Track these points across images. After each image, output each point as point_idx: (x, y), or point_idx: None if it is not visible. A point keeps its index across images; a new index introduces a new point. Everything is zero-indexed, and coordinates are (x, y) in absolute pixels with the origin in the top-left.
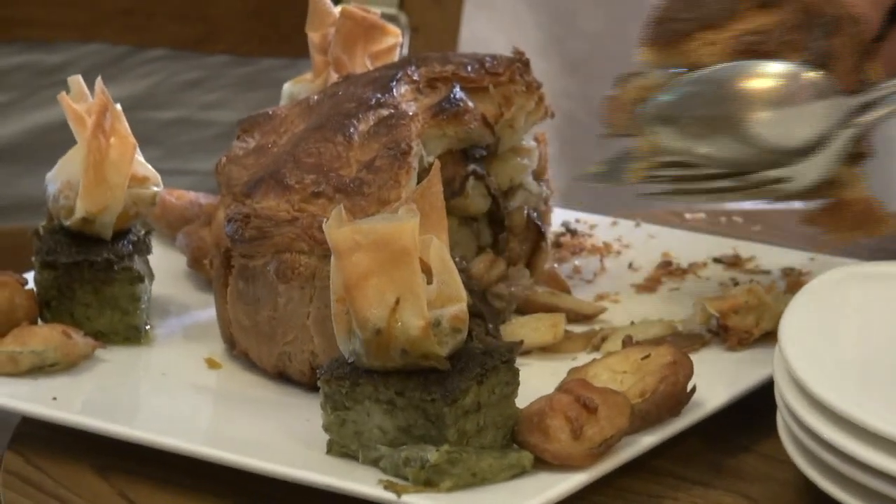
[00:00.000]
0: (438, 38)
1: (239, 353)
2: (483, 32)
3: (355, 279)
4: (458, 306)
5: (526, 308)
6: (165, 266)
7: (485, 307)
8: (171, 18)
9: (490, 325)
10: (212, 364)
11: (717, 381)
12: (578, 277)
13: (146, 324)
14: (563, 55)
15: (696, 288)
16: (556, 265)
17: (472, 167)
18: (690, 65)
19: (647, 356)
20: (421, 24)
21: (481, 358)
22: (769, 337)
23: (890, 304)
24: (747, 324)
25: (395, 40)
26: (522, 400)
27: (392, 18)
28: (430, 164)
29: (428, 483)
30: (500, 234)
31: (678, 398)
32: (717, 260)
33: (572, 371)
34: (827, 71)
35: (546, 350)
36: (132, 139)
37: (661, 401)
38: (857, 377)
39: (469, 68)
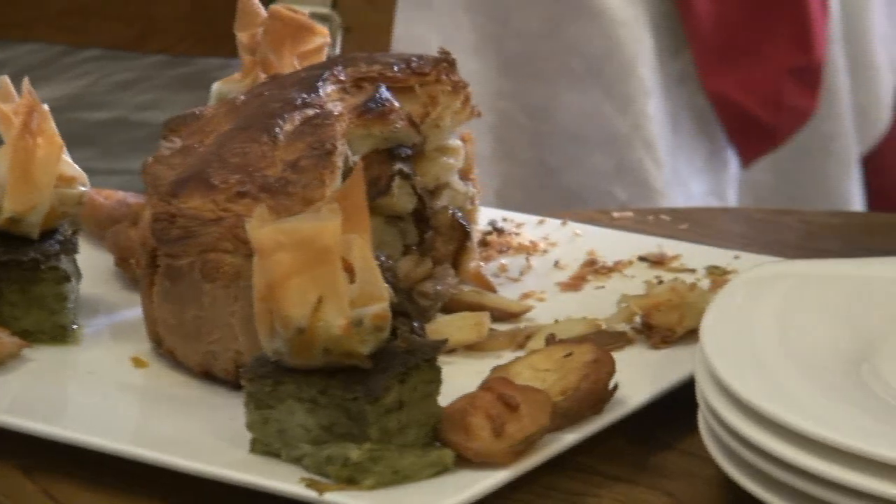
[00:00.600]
0: (372, 38)
1: (165, 351)
2: (418, 32)
3: (277, 278)
4: (380, 305)
5: (451, 307)
6: (93, 265)
7: (410, 306)
8: (107, 18)
9: (415, 324)
10: (138, 363)
11: (640, 378)
12: (504, 276)
13: (73, 323)
14: (498, 55)
15: (621, 286)
16: (481, 264)
17: (398, 167)
18: None
19: (570, 354)
20: (354, 24)
21: (404, 356)
22: (693, 335)
23: (811, 302)
24: (670, 322)
25: (324, 40)
26: (447, 398)
27: (324, 18)
28: (356, 164)
29: (350, 481)
30: (425, 233)
31: (600, 396)
32: (642, 258)
33: (495, 369)
34: None
35: (471, 349)
36: (59, 139)
37: (583, 398)
38: (777, 375)
39: (395, 68)
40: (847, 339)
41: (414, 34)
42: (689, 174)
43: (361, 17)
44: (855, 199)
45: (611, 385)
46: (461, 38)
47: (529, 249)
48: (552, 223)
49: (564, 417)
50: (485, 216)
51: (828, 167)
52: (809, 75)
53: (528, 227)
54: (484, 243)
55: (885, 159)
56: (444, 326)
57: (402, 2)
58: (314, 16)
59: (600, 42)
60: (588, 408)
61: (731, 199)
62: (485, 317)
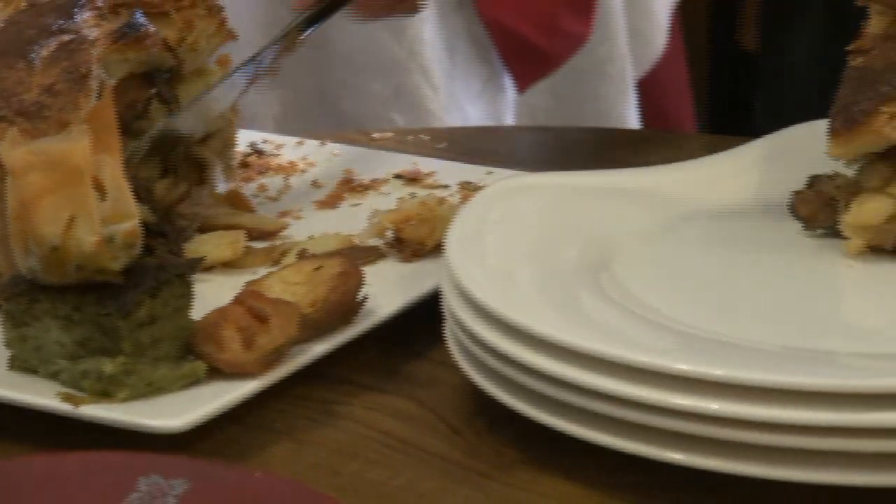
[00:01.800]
0: None
1: None
2: None
3: (30, 198)
4: (132, 223)
5: (208, 227)
6: None
7: (167, 226)
8: None
9: (173, 244)
10: None
11: (391, 291)
12: (263, 195)
13: None
14: None
15: (375, 203)
16: (241, 184)
17: (155, 90)
18: (882, 140)
19: (319, 268)
20: None
21: (155, 272)
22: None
23: (551, 213)
24: (420, 235)
25: None
26: (203, 313)
27: None
28: (107, 86)
29: (104, 394)
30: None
31: (349, 307)
32: (397, 176)
33: (248, 284)
34: None
35: (228, 266)
36: None
37: (332, 309)
38: (517, 284)
39: None
40: (586, 247)
41: None
42: (466, 99)
43: None
44: (632, 122)
45: (360, 297)
46: None
47: (288, 170)
48: (311, 144)
49: (314, 328)
50: (245, 138)
51: (604, 90)
52: (583, 1)
53: (287, 148)
54: (244, 164)
55: (660, 82)
56: (201, 245)
57: None
58: None
59: None
60: (337, 319)
61: (509, 123)
62: (240, 235)
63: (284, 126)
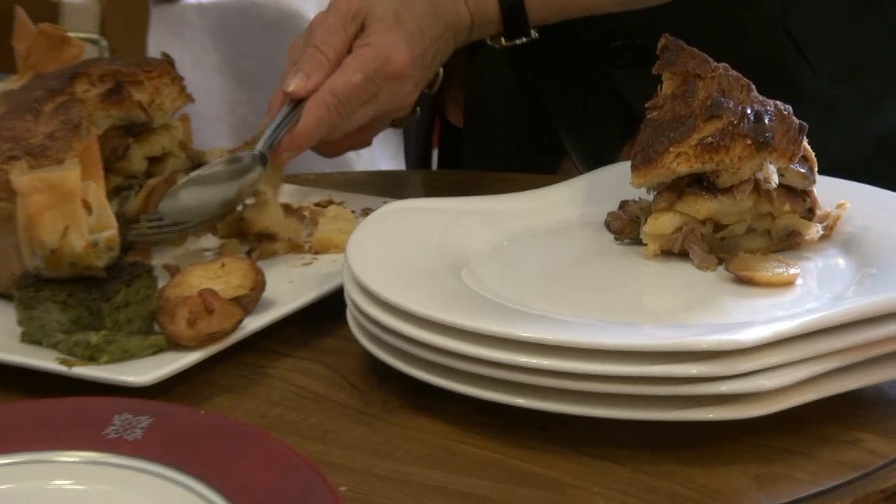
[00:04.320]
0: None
1: None
2: (172, 53)
3: (34, 214)
4: (111, 232)
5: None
6: None
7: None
8: None
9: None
10: None
11: (307, 286)
12: None
13: None
14: (235, 72)
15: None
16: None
17: (131, 140)
18: (670, 173)
19: (224, 265)
20: (117, 46)
21: (129, 269)
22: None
23: (427, 226)
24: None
25: (79, 51)
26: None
27: (95, 42)
28: (93, 134)
29: (91, 358)
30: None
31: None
32: (317, 203)
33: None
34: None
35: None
36: None
37: (259, 292)
38: (399, 277)
39: (129, 67)
40: (452, 251)
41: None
42: (382, 160)
43: (122, 41)
44: None
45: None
46: (207, 60)
47: None
48: None
49: (248, 307)
50: None
51: None
52: None
53: None
54: None
55: None
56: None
57: (156, 30)
58: (87, 39)
59: None
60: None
61: None
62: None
63: None
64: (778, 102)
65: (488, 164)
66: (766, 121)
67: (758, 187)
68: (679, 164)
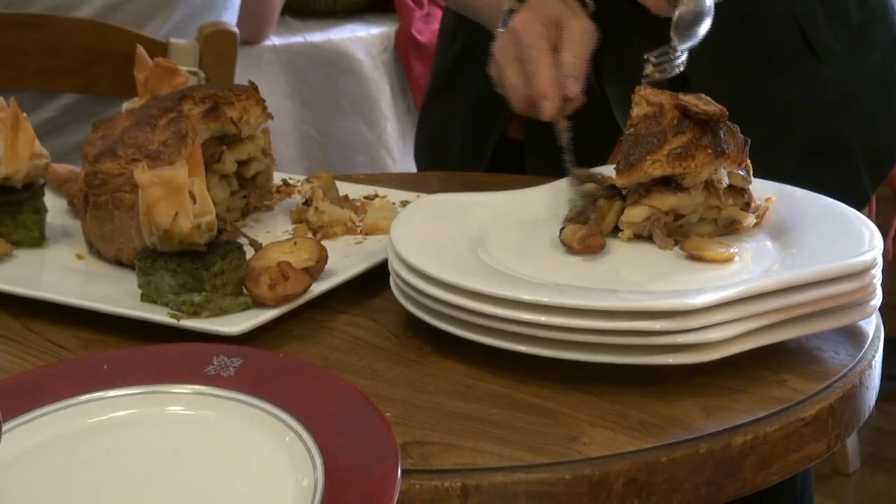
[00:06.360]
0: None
1: (94, 251)
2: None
3: (152, 202)
4: (210, 216)
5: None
6: (54, 204)
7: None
8: (65, 74)
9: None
10: (79, 257)
11: (359, 258)
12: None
13: (43, 236)
14: (301, 98)
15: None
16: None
17: (224, 147)
18: (647, 175)
19: (296, 242)
20: (212, 76)
21: (224, 245)
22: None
23: (452, 214)
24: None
25: (185, 80)
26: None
27: (195, 73)
28: (196, 142)
29: (194, 314)
30: (242, 184)
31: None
32: (366, 196)
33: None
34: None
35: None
36: (32, 132)
37: (322, 264)
38: (431, 252)
39: (224, 91)
40: (471, 233)
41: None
42: (413, 166)
43: (216, 74)
44: None
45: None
46: (279, 87)
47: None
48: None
49: (314, 275)
50: (277, 177)
51: None
52: None
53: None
54: (278, 191)
55: None
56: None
57: (241, 65)
58: (190, 71)
59: (358, 90)
60: (320, 270)
61: None
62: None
63: (297, 167)
64: (728, 122)
65: (547, 171)
66: (721, 135)
67: (708, 186)
68: (655, 168)
